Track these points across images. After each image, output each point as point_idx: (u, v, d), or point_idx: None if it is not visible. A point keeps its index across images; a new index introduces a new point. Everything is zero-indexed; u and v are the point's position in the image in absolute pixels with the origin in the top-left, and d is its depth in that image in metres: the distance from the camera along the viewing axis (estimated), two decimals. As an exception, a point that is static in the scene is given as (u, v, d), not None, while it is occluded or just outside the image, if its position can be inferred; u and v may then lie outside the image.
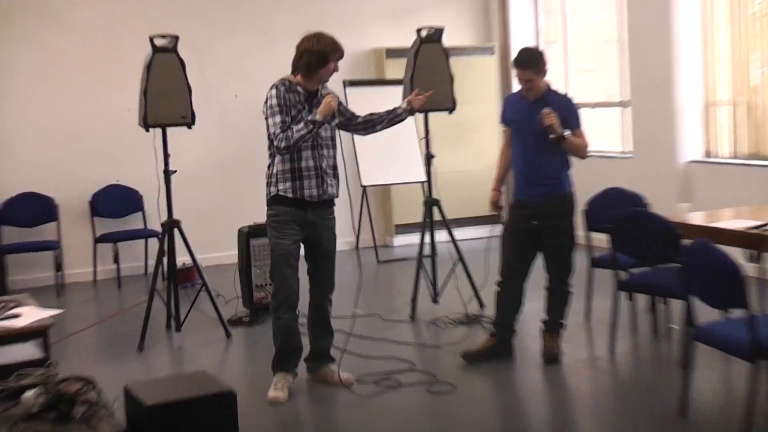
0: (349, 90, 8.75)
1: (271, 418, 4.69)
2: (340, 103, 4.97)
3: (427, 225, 6.65)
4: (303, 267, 4.99)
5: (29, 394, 2.93)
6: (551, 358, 5.27)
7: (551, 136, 5.08)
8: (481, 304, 6.51)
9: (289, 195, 4.81)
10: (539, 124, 5.09)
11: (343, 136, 6.47)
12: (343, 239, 8.50)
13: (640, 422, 4.39)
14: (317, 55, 4.75)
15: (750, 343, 3.86)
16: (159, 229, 6.48)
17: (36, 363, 3.40)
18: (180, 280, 6.71)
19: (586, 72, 9.30)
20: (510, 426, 4.60)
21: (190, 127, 6.22)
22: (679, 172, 7.68)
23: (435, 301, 6.73)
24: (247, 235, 6.72)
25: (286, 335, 4.91)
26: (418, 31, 6.59)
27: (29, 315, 3.96)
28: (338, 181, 4.99)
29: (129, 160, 8.32)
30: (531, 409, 4.80)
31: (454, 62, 6.75)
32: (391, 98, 7.13)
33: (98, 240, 8.27)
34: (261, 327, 6.31)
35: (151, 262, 7.73)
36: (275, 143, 4.74)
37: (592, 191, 6.12)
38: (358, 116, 5.11)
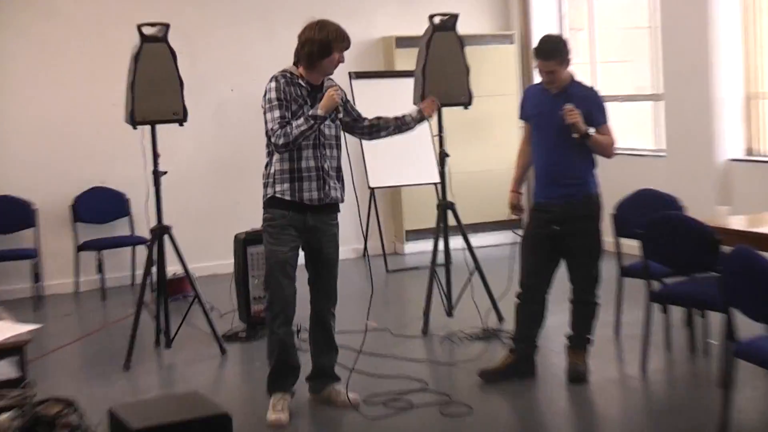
0: (356, 83, 8.74)
1: (270, 442, 4.69)
2: (347, 101, 4.97)
3: (441, 231, 6.65)
4: (303, 276, 4.99)
5: (4, 417, 2.94)
6: (577, 376, 5.25)
7: (574, 134, 5.08)
8: (500, 318, 6.50)
9: (287, 197, 4.80)
10: (561, 119, 5.08)
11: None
12: (350, 246, 8.55)
13: (675, 447, 4.39)
14: (319, 44, 4.74)
15: (796, 360, 3.85)
16: (147, 235, 6.49)
17: (11, 383, 3.40)
18: (170, 292, 6.71)
19: (615, 62, 9.29)
20: (532, 451, 4.61)
21: (181, 124, 6.23)
22: (718, 171, 7.66)
23: (449, 314, 6.73)
24: (244, 242, 6.72)
25: (282, 352, 4.90)
26: (431, 18, 6.59)
27: (4, 330, 3.95)
28: (343, 184, 4.98)
29: (115, 159, 8.34)
30: (555, 433, 4.79)
31: (470, 52, 6.74)
32: (401, 92, 7.14)
33: (80, 248, 8.28)
34: (259, 343, 6.30)
35: (139, 271, 7.75)
36: (273, 140, 4.74)
37: (621, 193, 6.11)
38: (364, 118, 5.12)
